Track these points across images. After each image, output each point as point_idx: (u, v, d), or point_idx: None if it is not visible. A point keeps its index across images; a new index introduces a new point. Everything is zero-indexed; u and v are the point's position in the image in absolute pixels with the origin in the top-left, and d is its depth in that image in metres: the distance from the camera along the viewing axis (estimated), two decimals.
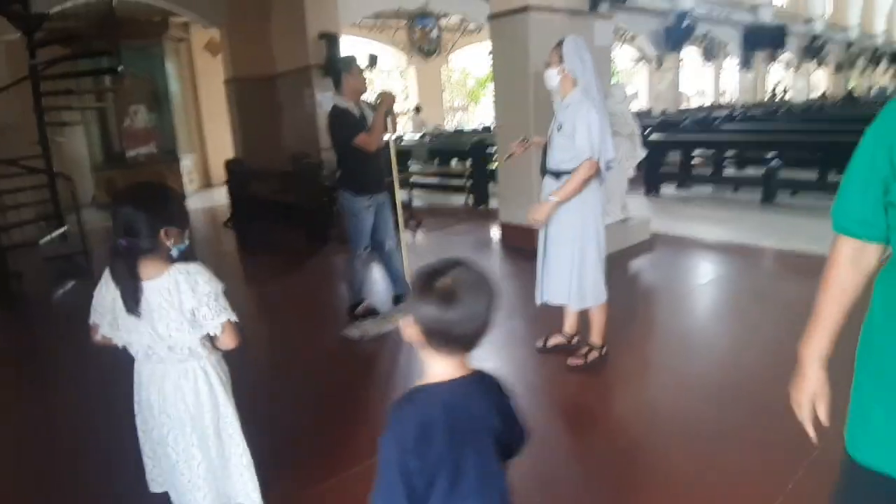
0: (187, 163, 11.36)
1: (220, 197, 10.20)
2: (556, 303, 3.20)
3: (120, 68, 7.15)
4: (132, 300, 1.57)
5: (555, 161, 2.99)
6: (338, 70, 3.92)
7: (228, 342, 1.70)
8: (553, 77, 2.97)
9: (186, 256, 1.69)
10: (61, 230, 6.81)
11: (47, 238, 6.47)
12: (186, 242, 1.69)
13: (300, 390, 3.21)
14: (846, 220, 1.21)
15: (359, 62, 3.94)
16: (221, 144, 11.87)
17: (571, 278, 3.04)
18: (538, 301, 3.22)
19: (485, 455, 1.15)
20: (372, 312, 4.14)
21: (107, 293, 1.64)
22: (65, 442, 2.83)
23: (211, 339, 1.70)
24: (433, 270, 1.14)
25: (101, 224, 8.83)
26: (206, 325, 1.63)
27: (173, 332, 1.61)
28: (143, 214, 1.58)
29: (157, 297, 1.59)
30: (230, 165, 7.97)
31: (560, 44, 2.95)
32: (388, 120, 3.78)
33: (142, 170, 10.56)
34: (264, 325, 4.42)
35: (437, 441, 1.09)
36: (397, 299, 4.20)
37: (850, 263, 1.21)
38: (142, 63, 10.62)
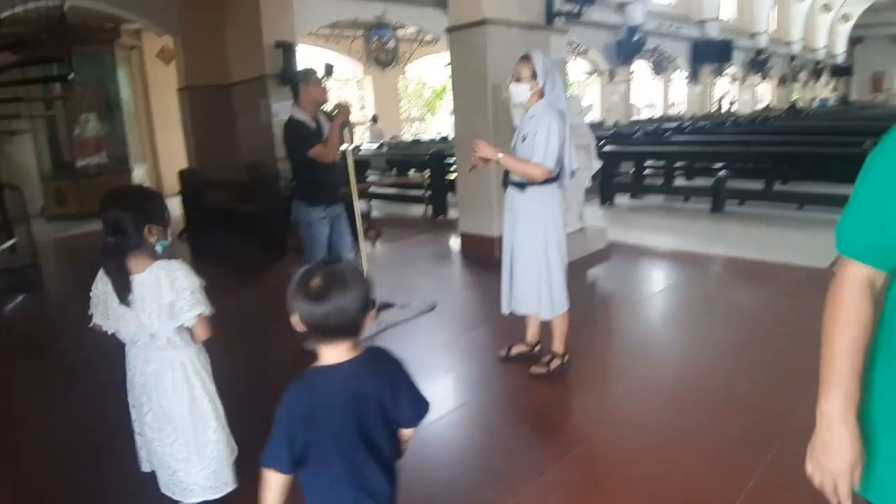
0: (139, 172, 11.09)
1: (172, 207, 9.98)
2: (524, 313, 3.24)
3: (71, 76, 6.95)
4: (123, 292, 1.74)
5: None
6: (296, 81, 3.89)
7: (201, 334, 1.86)
8: (524, 92, 2.99)
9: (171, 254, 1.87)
10: (10, 242, 6.58)
11: None
12: (169, 239, 1.86)
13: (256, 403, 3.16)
14: (857, 244, 1.03)
15: (314, 73, 3.90)
16: (174, 154, 11.62)
17: (541, 288, 3.08)
18: (506, 311, 3.26)
19: (356, 449, 1.30)
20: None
21: (101, 286, 1.82)
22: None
23: (189, 331, 1.85)
24: (306, 272, 1.30)
25: (52, 236, 8.56)
26: (182, 318, 1.77)
27: (154, 322, 1.76)
28: (128, 214, 1.74)
29: (142, 289, 1.75)
30: (184, 175, 7.81)
31: (527, 58, 2.98)
32: (345, 131, 3.79)
33: (92, 180, 10.27)
34: (222, 338, 4.34)
35: (320, 419, 1.28)
36: None
37: (862, 291, 1.04)
38: (93, 70, 10.34)
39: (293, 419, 1.28)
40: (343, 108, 3.78)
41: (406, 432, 1.42)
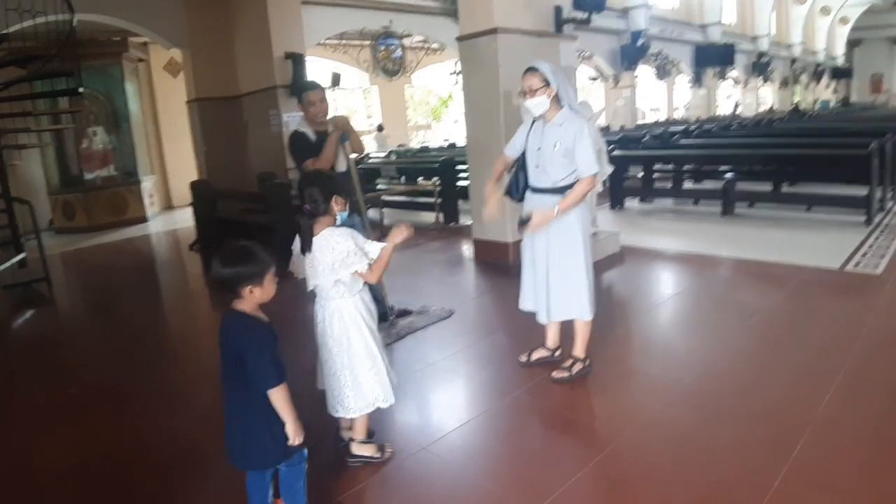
0: (147, 185, 11.15)
1: (182, 219, 10.03)
2: (562, 319, 3.24)
3: (81, 90, 7.01)
4: (306, 248, 2.32)
5: (550, 179, 3.05)
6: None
7: (369, 278, 2.39)
8: (543, 103, 2.99)
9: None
10: (20, 256, 6.61)
11: (5, 265, 6.27)
12: (347, 211, 2.38)
13: None
14: None
15: (311, 90, 3.87)
16: (182, 166, 11.72)
17: (581, 290, 3.11)
18: (545, 321, 3.24)
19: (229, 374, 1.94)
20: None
21: (297, 242, 2.36)
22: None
23: (347, 286, 2.36)
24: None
25: (60, 249, 8.61)
26: (339, 273, 2.29)
27: (320, 275, 2.32)
28: (319, 188, 2.29)
29: (316, 248, 2.30)
30: (195, 186, 7.86)
31: (533, 70, 2.99)
32: (345, 144, 3.82)
33: (100, 193, 10.35)
34: None
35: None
36: (381, 318, 4.21)
37: None
38: (100, 83, 10.45)
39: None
40: (339, 121, 3.80)
41: None
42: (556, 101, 3.02)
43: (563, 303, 3.15)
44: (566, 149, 2.97)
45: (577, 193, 2.99)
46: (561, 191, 3.04)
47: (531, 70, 2.99)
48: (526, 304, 3.32)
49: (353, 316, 2.40)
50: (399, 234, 2.40)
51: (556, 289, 3.15)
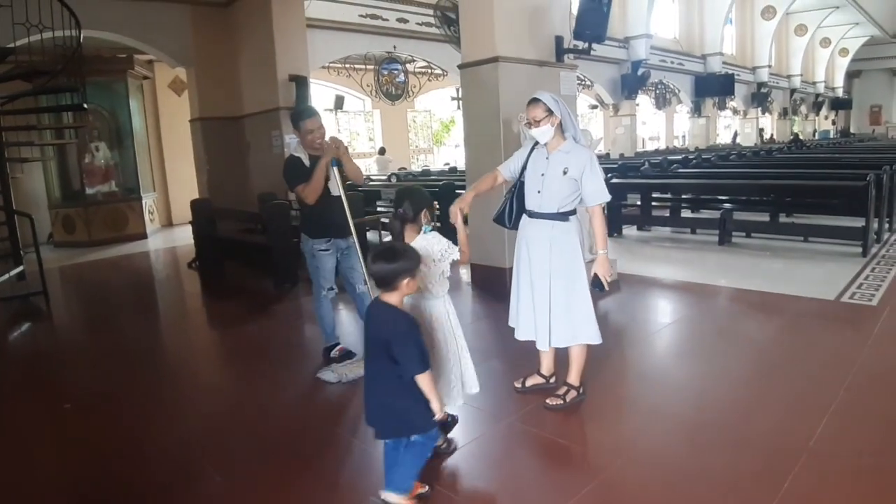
0: (148, 201, 11.20)
1: (182, 237, 10.06)
2: (568, 344, 3.21)
3: (85, 105, 7.08)
4: (396, 239, 2.65)
5: (555, 204, 3.07)
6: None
7: (464, 259, 2.73)
8: (548, 131, 3.03)
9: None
10: (18, 269, 6.63)
11: (3, 277, 6.28)
12: (432, 225, 2.68)
13: (270, 436, 3.17)
14: None
15: (308, 118, 3.82)
16: (183, 183, 11.78)
17: (588, 315, 3.13)
18: (545, 347, 3.22)
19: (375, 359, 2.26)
20: (347, 355, 4.13)
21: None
22: None
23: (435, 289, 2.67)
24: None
25: (59, 263, 8.62)
26: (443, 265, 2.63)
27: (428, 273, 2.60)
28: (410, 201, 2.63)
29: (420, 249, 2.52)
30: (196, 205, 7.89)
31: (535, 101, 3.03)
32: (334, 168, 3.72)
33: (101, 208, 10.40)
34: (231, 370, 4.37)
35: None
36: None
37: None
38: (105, 99, 10.56)
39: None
40: (329, 146, 3.72)
41: None
42: (560, 129, 3.08)
43: (568, 328, 3.14)
44: (573, 176, 3.02)
45: (601, 224, 3.09)
46: (563, 216, 3.08)
47: (534, 101, 3.04)
48: (523, 333, 3.29)
49: (443, 312, 2.71)
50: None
51: (562, 314, 3.13)
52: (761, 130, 27.51)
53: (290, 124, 4.03)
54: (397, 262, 2.22)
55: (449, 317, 2.71)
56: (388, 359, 2.17)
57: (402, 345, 2.16)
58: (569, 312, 3.13)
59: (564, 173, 3.04)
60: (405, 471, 2.31)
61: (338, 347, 4.18)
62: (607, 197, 3.08)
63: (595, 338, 3.17)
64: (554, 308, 3.14)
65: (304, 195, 3.76)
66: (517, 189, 3.23)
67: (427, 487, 2.43)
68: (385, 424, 2.32)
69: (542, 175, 3.10)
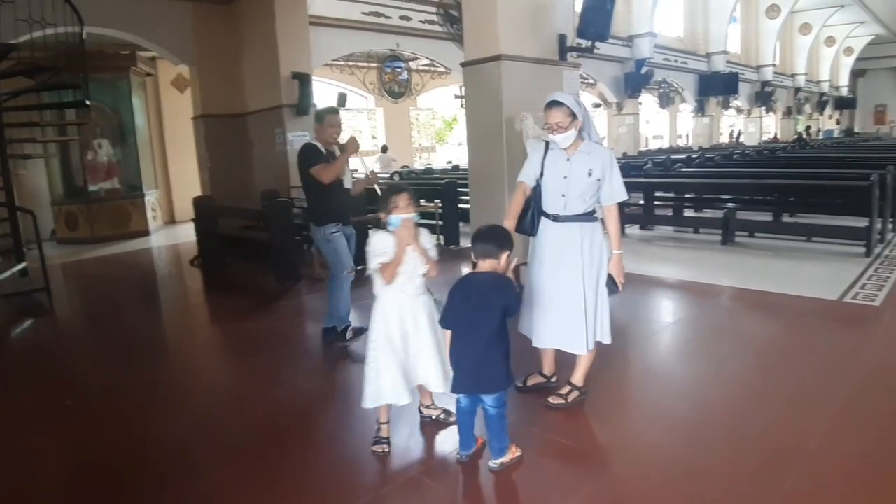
0: (151, 198, 11.20)
1: (184, 234, 10.06)
2: (574, 349, 3.18)
3: (88, 102, 7.09)
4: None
5: (581, 206, 3.03)
6: (318, 116, 4.33)
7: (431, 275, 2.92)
8: (571, 136, 2.98)
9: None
10: (21, 266, 6.63)
11: (6, 274, 6.28)
12: (412, 215, 2.77)
13: (270, 431, 3.17)
14: None
15: (334, 114, 4.27)
16: (186, 180, 11.77)
17: (602, 315, 3.13)
18: (583, 350, 3.14)
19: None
20: (359, 331, 4.24)
21: (382, 241, 2.78)
22: None
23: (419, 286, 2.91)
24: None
25: (61, 260, 8.63)
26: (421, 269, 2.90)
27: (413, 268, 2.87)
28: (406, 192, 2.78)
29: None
30: (198, 202, 7.89)
31: (557, 103, 2.95)
32: (347, 167, 4.20)
33: (104, 204, 10.40)
34: (233, 366, 4.37)
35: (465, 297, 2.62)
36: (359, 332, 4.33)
37: None
38: (107, 96, 10.54)
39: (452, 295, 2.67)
40: (351, 146, 4.12)
41: None
42: (579, 129, 3.03)
43: (577, 331, 3.09)
44: (598, 177, 2.99)
45: (616, 223, 3.09)
46: (591, 216, 3.06)
47: (556, 104, 2.95)
48: (548, 341, 3.22)
49: (423, 309, 2.93)
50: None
51: (591, 315, 3.09)
52: (739, 132, 27.06)
53: (293, 122, 4.34)
54: (501, 238, 2.65)
55: (416, 315, 2.86)
56: (499, 313, 2.53)
57: (513, 299, 2.58)
58: (595, 312, 3.11)
59: (590, 174, 2.99)
60: (496, 436, 2.63)
61: (350, 328, 4.34)
62: (625, 195, 3.07)
63: (608, 337, 3.18)
64: (588, 310, 3.08)
65: (321, 175, 4.05)
66: (535, 194, 3.17)
67: (520, 451, 2.73)
68: (480, 379, 2.60)
69: (565, 178, 3.03)
